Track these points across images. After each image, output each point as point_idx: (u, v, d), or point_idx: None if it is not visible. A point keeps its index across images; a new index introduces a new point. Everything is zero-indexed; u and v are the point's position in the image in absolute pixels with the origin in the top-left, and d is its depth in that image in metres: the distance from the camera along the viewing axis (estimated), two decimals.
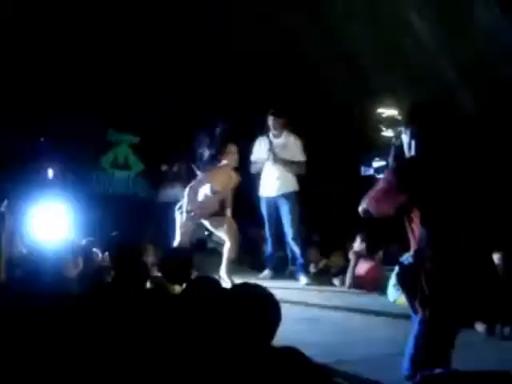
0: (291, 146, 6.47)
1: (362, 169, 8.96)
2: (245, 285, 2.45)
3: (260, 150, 6.52)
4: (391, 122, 9.25)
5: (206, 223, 6.04)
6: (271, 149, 6.40)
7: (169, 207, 7.75)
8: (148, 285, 4.28)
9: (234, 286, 2.44)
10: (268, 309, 2.27)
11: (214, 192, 5.94)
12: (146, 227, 7.79)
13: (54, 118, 8.20)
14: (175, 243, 5.83)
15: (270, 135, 6.50)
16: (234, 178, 6.10)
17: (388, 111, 9.22)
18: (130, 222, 7.50)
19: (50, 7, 7.57)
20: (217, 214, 6.02)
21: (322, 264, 6.97)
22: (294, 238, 6.36)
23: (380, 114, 9.15)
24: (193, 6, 7.84)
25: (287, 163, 6.40)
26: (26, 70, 7.81)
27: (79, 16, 7.78)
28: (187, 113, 8.53)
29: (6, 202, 5.03)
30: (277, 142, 6.47)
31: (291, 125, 6.63)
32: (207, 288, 2.99)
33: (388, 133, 9.26)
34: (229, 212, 6.16)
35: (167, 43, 8.17)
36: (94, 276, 4.67)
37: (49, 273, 3.99)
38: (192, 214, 5.81)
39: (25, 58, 7.79)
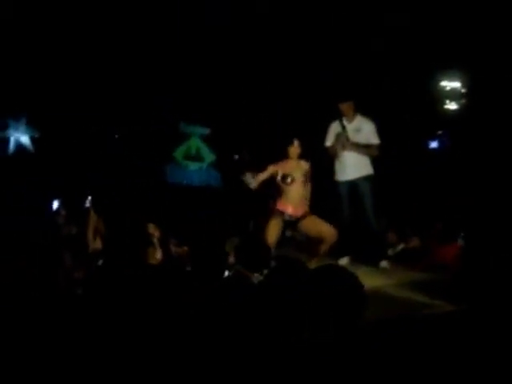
0: (365, 129, 6.38)
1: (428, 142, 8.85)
2: (331, 268, 2.40)
3: (334, 135, 6.44)
4: (454, 95, 9.10)
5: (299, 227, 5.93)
6: (345, 133, 6.33)
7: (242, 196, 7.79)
8: (226, 273, 4.29)
9: (319, 269, 2.38)
10: (355, 292, 2.22)
11: (284, 181, 5.83)
12: (222, 216, 7.84)
13: (122, 115, 8.40)
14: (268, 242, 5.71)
15: (344, 120, 6.42)
16: (303, 165, 6.00)
17: (451, 84, 9.05)
18: (206, 212, 7.58)
19: (50, 7, 7.65)
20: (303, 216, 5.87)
21: (399, 248, 6.88)
22: (372, 222, 6.28)
23: (443, 87, 8.99)
24: (193, 5, 7.82)
25: (362, 147, 6.31)
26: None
27: (79, 16, 7.83)
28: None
29: (89, 198, 5.17)
30: (350, 126, 6.39)
31: (360, 107, 6.54)
32: (290, 275, 2.94)
33: (451, 105, 9.13)
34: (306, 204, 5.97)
35: (167, 43, 8.21)
36: (173, 265, 4.72)
37: (129, 263, 4.07)
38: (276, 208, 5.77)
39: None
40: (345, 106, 6.41)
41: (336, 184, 6.49)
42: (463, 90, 8.84)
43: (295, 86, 7.88)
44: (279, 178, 5.83)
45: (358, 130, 6.37)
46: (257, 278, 4.26)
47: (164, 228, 5.67)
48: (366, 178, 6.33)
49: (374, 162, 6.46)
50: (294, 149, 5.90)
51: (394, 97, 8.03)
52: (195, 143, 9.71)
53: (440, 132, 9.32)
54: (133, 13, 7.81)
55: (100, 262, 4.66)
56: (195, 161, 9.68)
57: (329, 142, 6.49)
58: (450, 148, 8.92)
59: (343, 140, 6.32)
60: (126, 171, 8.13)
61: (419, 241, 6.80)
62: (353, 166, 6.34)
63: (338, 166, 6.45)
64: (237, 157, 8.81)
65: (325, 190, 6.56)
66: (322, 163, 6.45)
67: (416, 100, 8.30)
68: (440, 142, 9.28)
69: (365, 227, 6.34)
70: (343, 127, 6.38)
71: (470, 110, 8.46)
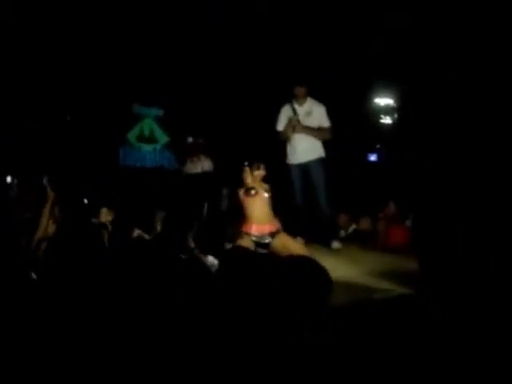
0: (316, 112, 6.46)
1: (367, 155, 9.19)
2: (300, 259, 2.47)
3: (285, 119, 6.52)
4: (388, 110, 9.61)
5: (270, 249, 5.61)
6: (296, 117, 6.41)
7: (196, 179, 7.81)
8: (183, 256, 4.35)
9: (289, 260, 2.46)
10: (321, 279, 2.30)
11: (248, 193, 5.62)
12: (176, 199, 7.84)
13: (77, 95, 8.30)
14: None
15: (294, 103, 6.50)
16: (265, 186, 5.82)
17: (384, 100, 9.53)
18: (160, 195, 7.59)
19: (50, 7, 7.54)
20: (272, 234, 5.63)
21: (351, 229, 7.04)
22: (324, 204, 6.35)
23: (377, 103, 9.41)
24: (193, 5, 7.81)
25: (313, 130, 6.41)
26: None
27: (79, 16, 7.75)
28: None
29: (46, 177, 5.09)
30: (301, 109, 6.47)
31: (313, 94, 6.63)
32: (244, 259, 3.02)
33: (386, 120, 9.64)
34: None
35: (167, 43, 8.19)
36: (130, 249, 4.75)
37: (84, 247, 4.09)
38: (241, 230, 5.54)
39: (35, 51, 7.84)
40: (301, 90, 6.48)
41: (288, 167, 6.58)
42: (395, 105, 9.28)
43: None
44: (243, 192, 5.49)
45: (309, 113, 6.45)
46: (211, 260, 4.35)
47: (118, 212, 5.69)
48: (318, 161, 6.42)
49: (325, 146, 6.57)
50: (259, 172, 5.62)
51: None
52: (149, 125, 9.66)
53: (378, 146, 9.70)
54: (132, 12, 7.74)
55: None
56: (149, 142, 9.64)
57: (280, 126, 6.55)
58: (386, 160, 9.31)
59: (294, 123, 6.40)
60: (79, 154, 8.06)
61: (370, 222, 6.96)
62: (304, 149, 6.41)
63: (289, 149, 6.54)
64: (191, 139, 8.78)
65: (277, 174, 6.64)
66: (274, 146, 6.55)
67: (354, 114, 8.57)
68: (378, 155, 9.69)
69: (317, 209, 6.42)
70: (294, 111, 6.46)
71: (401, 123, 8.86)
